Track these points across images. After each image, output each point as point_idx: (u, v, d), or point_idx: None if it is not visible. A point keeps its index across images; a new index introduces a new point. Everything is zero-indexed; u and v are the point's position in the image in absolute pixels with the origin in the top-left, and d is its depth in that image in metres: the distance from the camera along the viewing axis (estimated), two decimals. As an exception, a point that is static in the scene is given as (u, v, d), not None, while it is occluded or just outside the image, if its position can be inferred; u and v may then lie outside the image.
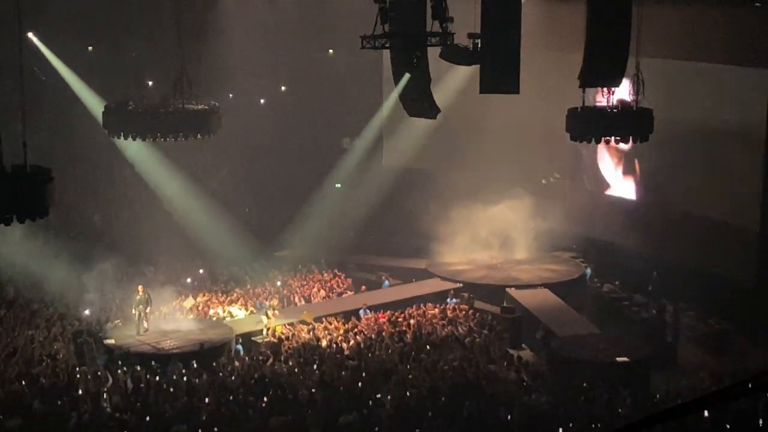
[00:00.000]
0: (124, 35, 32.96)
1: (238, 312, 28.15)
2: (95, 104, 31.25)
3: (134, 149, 32.06)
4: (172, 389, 21.29)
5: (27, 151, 15.98)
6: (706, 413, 16.12)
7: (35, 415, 19.87)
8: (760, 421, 17.05)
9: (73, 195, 34.18)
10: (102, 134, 27.85)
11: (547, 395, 20.81)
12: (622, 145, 25.21)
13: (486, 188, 32.53)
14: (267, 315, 26.52)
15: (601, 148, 31.99)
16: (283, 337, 25.63)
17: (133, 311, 25.83)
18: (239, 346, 25.68)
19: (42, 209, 16.02)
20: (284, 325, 26.49)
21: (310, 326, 26.45)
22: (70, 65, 33.25)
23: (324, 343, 25.17)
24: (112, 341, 25.09)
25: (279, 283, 31.01)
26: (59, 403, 20.26)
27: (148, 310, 25.79)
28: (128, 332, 25.55)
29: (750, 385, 3.50)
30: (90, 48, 35.66)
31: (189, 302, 28.52)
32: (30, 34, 31.84)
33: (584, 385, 21.37)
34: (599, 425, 18.61)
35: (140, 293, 25.74)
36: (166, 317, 26.92)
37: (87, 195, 35.39)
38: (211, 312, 28.37)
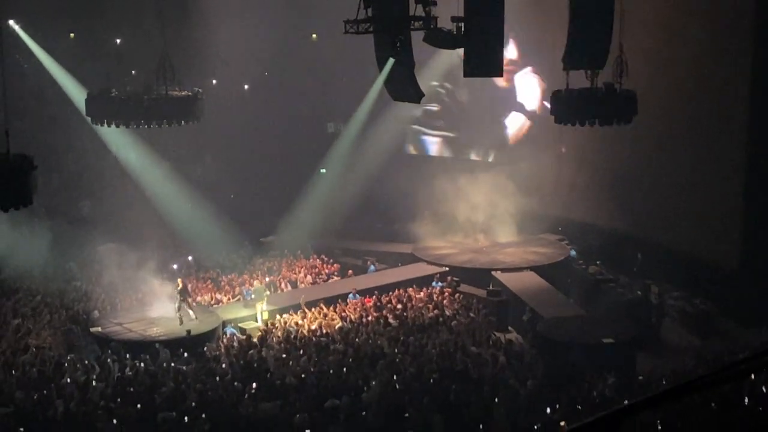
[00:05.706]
0: (106, 22, 32.72)
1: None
2: (77, 92, 31.00)
3: (117, 136, 31.88)
4: (159, 376, 21.26)
5: (9, 139, 15.89)
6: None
7: (21, 404, 19.77)
8: (746, 400, 17.17)
9: (58, 183, 34.01)
10: (85, 122, 27.67)
11: (533, 377, 20.89)
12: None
13: (471, 170, 32.54)
14: (262, 307, 26.43)
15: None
16: (270, 323, 25.62)
17: (176, 304, 25.68)
18: (232, 329, 25.69)
19: (25, 198, 15.94)
20: (271, 311, 26.47)
21: (300, 312, 26.42)
22: (51, 52, 32.93)
23: (311, 328, 25.16)
24: (98, 329, 25.03)
25: (265, 270, 30.97)
26: (45, 392, 20.18)
27: (190, 300, 25.93)
28: (173, 323, 25.25)
29: (741, 368, 3.51)
30: (72, 35, 35.41)
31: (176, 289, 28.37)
32: (11, 22, 31.59)
33: (570, 366, 21.48)
34: (585, 407, 18.68)
35: (180, 285, 25.73)
36: (153, 304, 26.79)
37: (72, 183, 35.17)
38: (198, 299, 28.31)
